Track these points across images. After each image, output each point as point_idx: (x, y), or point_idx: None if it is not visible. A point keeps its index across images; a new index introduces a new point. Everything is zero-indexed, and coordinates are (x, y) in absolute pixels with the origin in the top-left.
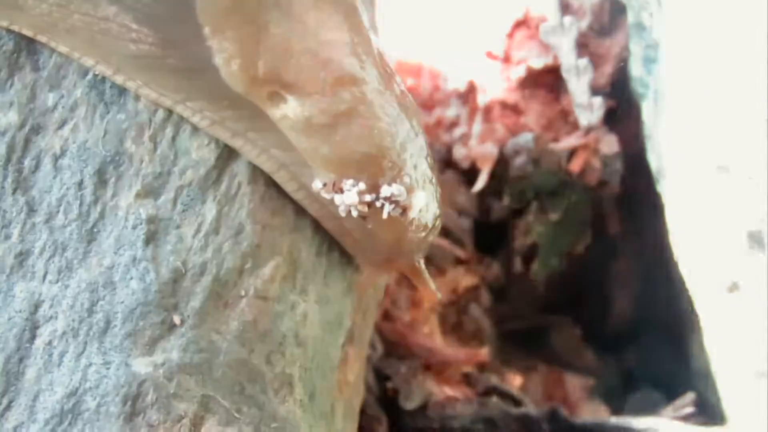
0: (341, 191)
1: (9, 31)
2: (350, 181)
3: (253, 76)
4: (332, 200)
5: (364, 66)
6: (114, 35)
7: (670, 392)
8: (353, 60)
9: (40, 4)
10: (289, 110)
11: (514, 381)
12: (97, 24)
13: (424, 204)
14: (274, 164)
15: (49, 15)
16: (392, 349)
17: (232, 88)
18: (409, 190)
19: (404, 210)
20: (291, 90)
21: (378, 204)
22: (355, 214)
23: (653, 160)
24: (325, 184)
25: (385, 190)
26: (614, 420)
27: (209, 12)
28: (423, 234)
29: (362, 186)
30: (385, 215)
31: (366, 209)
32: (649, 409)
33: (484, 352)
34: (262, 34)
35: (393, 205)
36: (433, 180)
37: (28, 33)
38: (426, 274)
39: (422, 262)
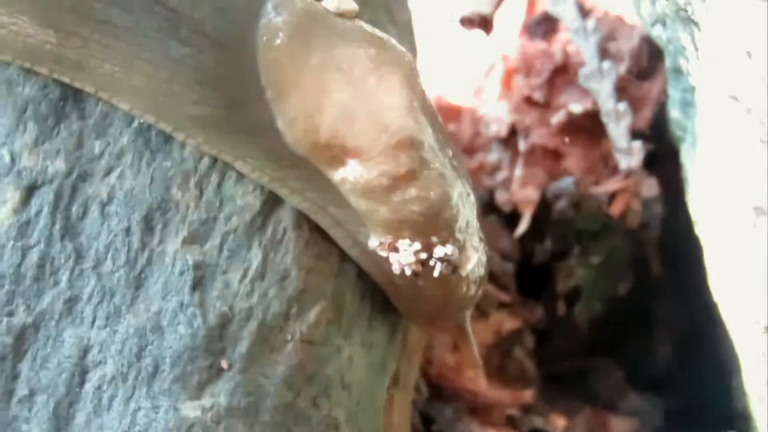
0: (396, 250)
1: (55, 80)
2: (406, 241)
3: (314, 140)
4: (387, 258)
5: (421, 128)
6: (176, 96)
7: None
8: (412, 123)
9: (103, 65)
10: (349, 174)
11: (558, 423)
12: (159, 85)
13: (475, 262)
14: (331, 221)
15: (111, 75)
16: (437, 392)
17: (293, 150)
18: (461, 249)
19: (455, 268)
20: (352, 154)
21: (431, 263)
22: (408, 272)
23: (691, 202)
24: (380, 243)
25: (439, 250)
26: None
27: (273, 75)
28: (471, 291)
29: (417, 246)
30: (436, 274)
31: (419, 268)
32: None
33: (528, 394)
34: (324, 99)
35: (445, 264)
36: (482, 237)
37: (90, 90)
38: (471, 338)
39: (469, 324)
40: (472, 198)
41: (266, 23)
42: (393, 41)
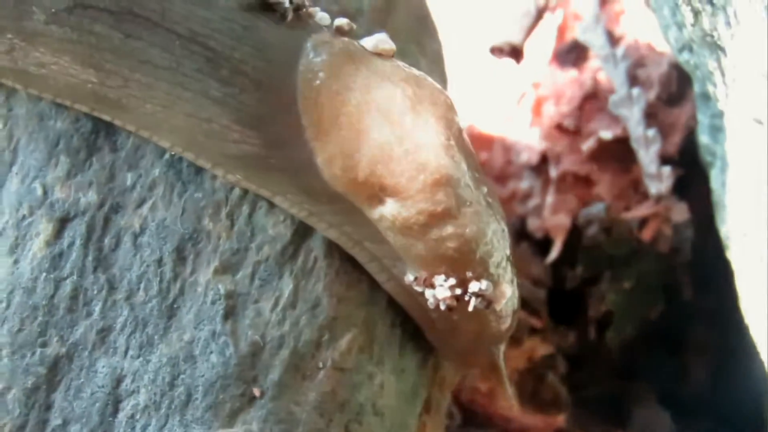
0: (432, 286)
1: (87, 113)
2: (441, 277)
3: (353, 178)
4: (422, 292)
5: (458, 166)
6: (216, 135)
7: None
8: (449, 161)
9: (144, 104)
10: (387, 211)
11: None
12: (200, 125)
13: (509, 297)
14: (367, 256)
15: (153, 115)
16: (471, 418)
17: (332, 188)
18: (495, 285)
19: (489, 303)
20: (390, 192)
21: (466, 298)
22: (443, 307)
23: (722, 227)
24: (416, 278)
25: (474, 286)
26: None
27: (312, 114)
28: (504, 325)
29: (452, 281)
30: (471, 308)
31: (454, 302)
32: None
33: (561, 420)
34: (363, 138)
35: (480, 299)
36: (514, 272)
37: (131, 128)
38: (504, 374)
39: (502, 360)
40: (506, 233)
41: (306, 63)
42: (429, 79)
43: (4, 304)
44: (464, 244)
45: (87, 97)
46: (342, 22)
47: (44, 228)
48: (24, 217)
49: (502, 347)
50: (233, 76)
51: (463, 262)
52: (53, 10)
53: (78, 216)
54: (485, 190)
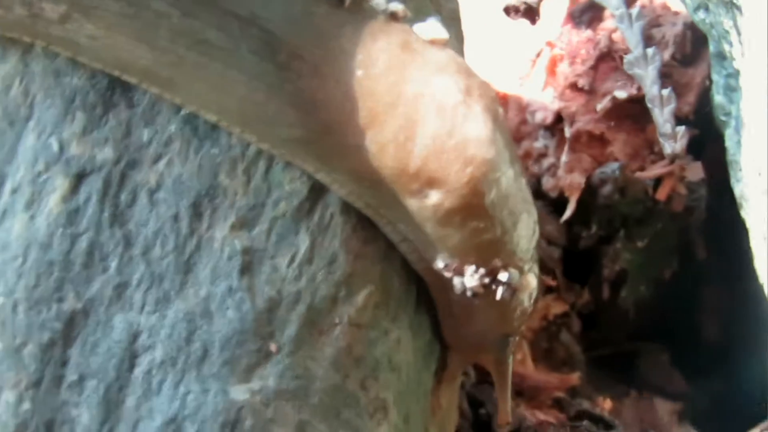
0: (461, 273)
1: (101, 71)
2: (472, 267)
3: (404, 168)
4: (451, 279)
5: (502, 159)
6: (269, 118)
7: (757, 415)
8: (494, 156)
9: (196, 83)
10: (430, 203)
11: (605, 405)
12: (253, 107)
13: (534, 287)
14: (399, 236)
15: (204, 94)
16: (485, 375)
17: (378, 175)
18: (522, 275)
19: (515, 291)
20: (436, 185)
21: (493, 287)
22: (469, 294)
23: (736, 186)
24: (446, 265)
25: (502, 275)
26: None
27: (368, 102)
28: (521, 317)
29: (482, 271)
30: (498, 297)
31: (481, 290)
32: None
33: (575, 378)
34: (417, 129)
35: (506, 287)
36: (537, 260)
37: (178, 102)
38: (509, 375)
39: (511, 357)
40: (536, 223)
41: (363, 51)
42: (472, 69)
43: (20, 260)
44: (499, 237)
45: (137, 72)
46: (398, 8)
47: (60, 184)
48: (40, 173)
49: (513, 345)
50: (291, 60)
51: (495, 252)
52: None
53: (94, 172)
54: (519, 169)
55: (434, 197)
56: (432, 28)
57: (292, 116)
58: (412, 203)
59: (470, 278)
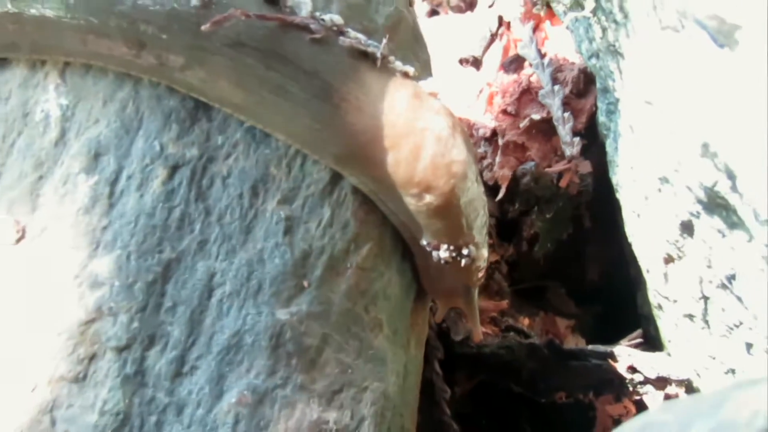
0: (438, 249)
1: (189, 96)
2: (445, 245)
3: (411, 177)
4: (430, 252)
5: (472, 171)
6: (323, 139)
7: (624, 330)
8: (469, 171)
9: (273, 115)
10: (424, 202)
11: (524, 322)
12: (312, 132)
13: (486, 257)
14: (396, 220)
15: (278, 123)
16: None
17: (393, 180)
18: (477, 248)
19: (473, 260)
20: (430, 190)
21: (458, 258)
22: (442, 261)
23: (613, 176)
24: (428, 243)
25: (465, 251)
26: (589, 347)
27: (390, 130)
28: (478, 274)
29: (452, 248)
30: (462, 265)
31: (450, 259)
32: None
33: (504, 304)
34: (422, 152)
35: (467, 258)
36: (486, 237)
37: (251, 124)
38: (476, 310)
39: (476, 299)
40: (486, 205)
41: (389, 99)
42: (452, 110)
43: (133, 224)
44: (465, 225)
45: (232, 106)
46: (410, 69)
47: (161, 173)
48: (147, 165)
49: (476, 291)
50: (340, 102)
51: (461, 236)
52: (219, 44)
53: (184, 165)
54: (480, 182)
55: (427, 198)
56: (431, 84)
57: (339, 140)
58: (410, 201)
59: (444, 252)
